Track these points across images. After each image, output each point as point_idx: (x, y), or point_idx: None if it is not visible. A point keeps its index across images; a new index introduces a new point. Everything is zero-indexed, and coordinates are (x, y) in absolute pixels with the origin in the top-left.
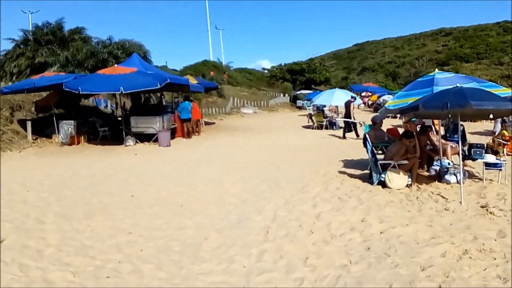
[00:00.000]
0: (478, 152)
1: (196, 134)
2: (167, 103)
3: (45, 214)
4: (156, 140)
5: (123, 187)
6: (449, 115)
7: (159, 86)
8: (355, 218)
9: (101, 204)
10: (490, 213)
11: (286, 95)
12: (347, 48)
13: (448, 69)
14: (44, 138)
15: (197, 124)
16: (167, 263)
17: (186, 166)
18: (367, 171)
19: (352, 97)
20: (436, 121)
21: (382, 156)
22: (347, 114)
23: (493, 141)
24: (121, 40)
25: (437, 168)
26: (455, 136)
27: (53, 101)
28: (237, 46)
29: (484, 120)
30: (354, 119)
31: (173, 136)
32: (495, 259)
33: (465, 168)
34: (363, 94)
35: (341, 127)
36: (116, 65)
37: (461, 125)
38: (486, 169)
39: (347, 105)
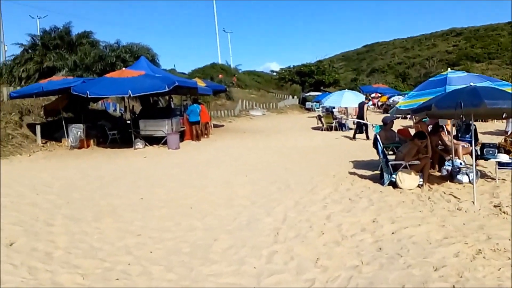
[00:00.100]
0: (491, 152)
1: (205, 136)
2: (175, 106)
3: (54, 216)
4: (165, 143)
5: (132, 189)
6: (462, 115)
7: (167, 89)
8: (366, 219)
9: (110, 206)
10: (504, 212)
11: (295, 97)
12: (356, 49)
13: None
14: (54, 142)
15: (206, 126)
16: (176, 264)
17: (195, 168)
18: (377, 172)
19: (366, 98)
20: (448, 121)
21: (392, 157)
22: (361, 115)
23: (505, 140)
24: (129, 44)
25: (449, 168)
26: (467, 136)
27: (61, 105)
28: (245, 49)
29: (495, 120)
30: (367, 121)
31: (182, 138)
32: (509, 258)
33: (477, 167)
34: (373, 95)
35: (350, 129)
36: (124, 68)
37: (474, 125)
38: (498, 168)
39: (361, 106)
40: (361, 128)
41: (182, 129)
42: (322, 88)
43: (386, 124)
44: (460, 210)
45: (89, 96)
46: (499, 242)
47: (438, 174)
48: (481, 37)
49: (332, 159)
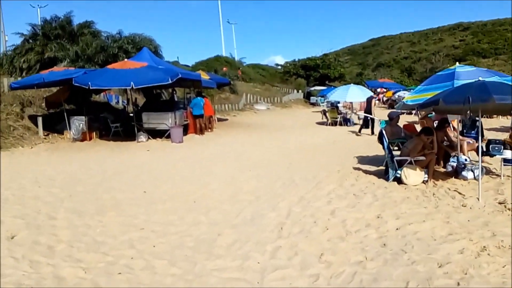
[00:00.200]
0: (496, 148)
1: (209, 130)
2: (179, 99)
3: (57, 210)
4: (168, 136)
5: (135, 183)
6: (469, 110)
7: (170, 81)
8: (370, 214)
9: (113, 200)
10: (509, 209)
11: (300, 91)
12: (362, 43)
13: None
14: (56, 134)
15: (209, 120)
16: (180, 259)
17: (199, 163)
18: (382, 168)
19: (374, 93)
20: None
21: (398, 152)
22: (368, 110)
23: (511, 137)
24: (131, 35)
25: (454, 164)
26: (472, 132)
27: (63, 96)
28: (250, 42)
29: (500, 116)
30: (374, 116)
31: (185, 132)
32: None
33: (482, 164)
34: (378, 90)
35: (355, 124)
36: (126, 60)
37: (480, 121)
38: (504, 165)
39: (369, 100)
40: (367, 122)
41: (185, 122)
42: (327, 82)
43: (392, 119)
44: (465, 206)
45: (90, 88)
46: (504, 239)
47: (443, 170)
48: (488, 32)
49: (337, 154)
